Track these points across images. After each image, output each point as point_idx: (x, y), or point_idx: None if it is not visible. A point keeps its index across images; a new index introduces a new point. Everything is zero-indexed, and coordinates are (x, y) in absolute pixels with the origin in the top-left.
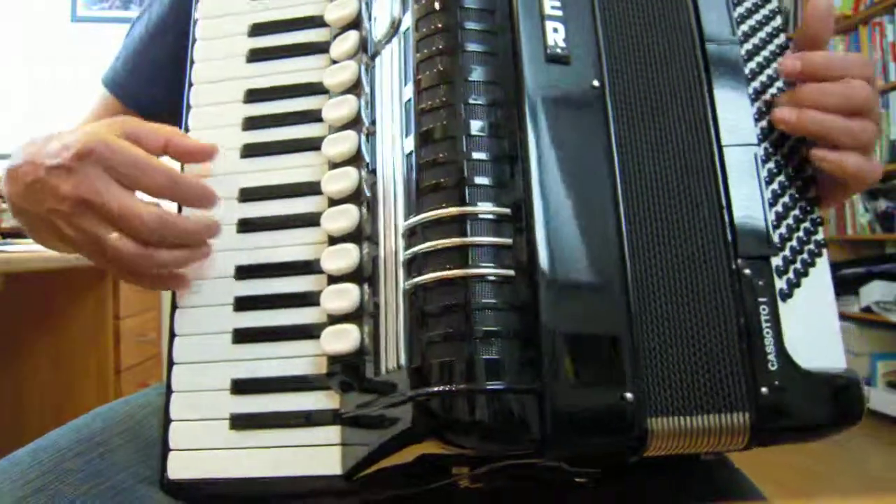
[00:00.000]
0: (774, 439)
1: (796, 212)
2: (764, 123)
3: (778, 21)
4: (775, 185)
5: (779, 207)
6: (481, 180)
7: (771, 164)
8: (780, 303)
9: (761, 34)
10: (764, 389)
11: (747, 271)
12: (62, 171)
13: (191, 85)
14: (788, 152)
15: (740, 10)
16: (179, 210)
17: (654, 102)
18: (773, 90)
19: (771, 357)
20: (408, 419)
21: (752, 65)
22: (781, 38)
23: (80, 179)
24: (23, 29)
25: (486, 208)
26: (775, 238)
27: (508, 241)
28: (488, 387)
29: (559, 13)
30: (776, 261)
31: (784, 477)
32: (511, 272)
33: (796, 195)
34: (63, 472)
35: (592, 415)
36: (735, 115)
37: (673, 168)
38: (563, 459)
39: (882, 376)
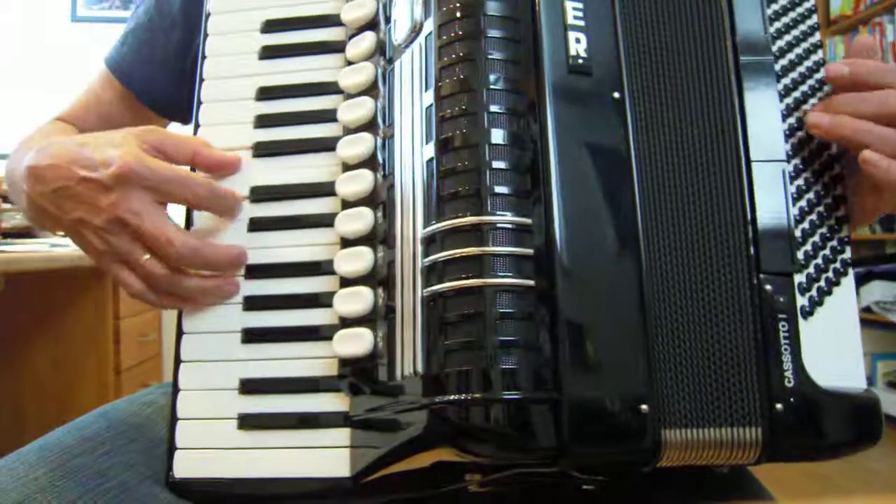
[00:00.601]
0: (787, 455)
1: (823, 230)
2: (795, 139)
3: (813, 20)
4: (803, 203)
5: (805, 225)
6: (502, 189)
7: (800, 181)
8: (801, 320)
9: (798, 50)
10: (779, 406)
11: (768, 287)
12: (99, 188)
13: (202, 80)
14: (819, 169)
15: (775, 7)
16: (187, 225)
17: (679, 113)
18: (806, 106)
19: (788, 374)
20: (421, 425)
21: (786, 80)
22: (816, 37)
23: (119, 198)
24: (23, 29)
25: (506, 218)
26: (800, 255)
27: (528, 251)
28: (505, 396)
29: (582, 23)
30: (799, 278)
31: (785, 476)
32: (530, 282)
33: (824, 213)
34: (68, 470)
35: (608, 425)
36: (765, 129)
37: (695, 179)
38: (576, 468)
39: (882, 376)
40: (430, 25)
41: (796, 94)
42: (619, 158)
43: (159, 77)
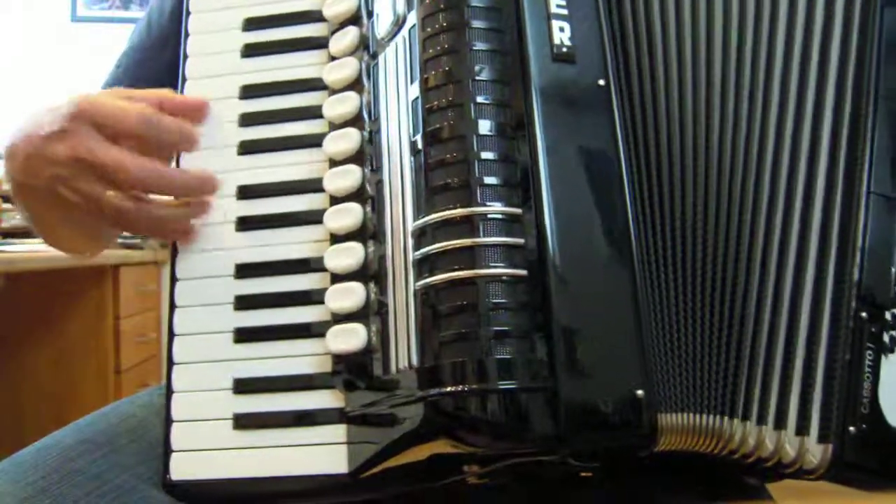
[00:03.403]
0: (843, 478)
1: None
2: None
3: None
4: None
5: None
6: (491, 180)
7: None
8: (882, 356)
9: None
10: (852, 429)
11: (864, 314)
12: (57, 137)
13: (184, 80)
14: None
15: None
16: None
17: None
18: None
19: (865, 401)
20: (418, 418)
21: None
22: None
23: (73, 140)
24: (23, 29)
25: (496, 208)
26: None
27: (519, 240)
28: (501, 386)
29: (565, 12)
30: (887, 314)
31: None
32: (523, 272)
33: None
34: (67, 472)
35: (604, 412)
36: None
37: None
38: (573, 456)
39: None
40: (413, 18)
41: None
42: (606, 146)
43: None
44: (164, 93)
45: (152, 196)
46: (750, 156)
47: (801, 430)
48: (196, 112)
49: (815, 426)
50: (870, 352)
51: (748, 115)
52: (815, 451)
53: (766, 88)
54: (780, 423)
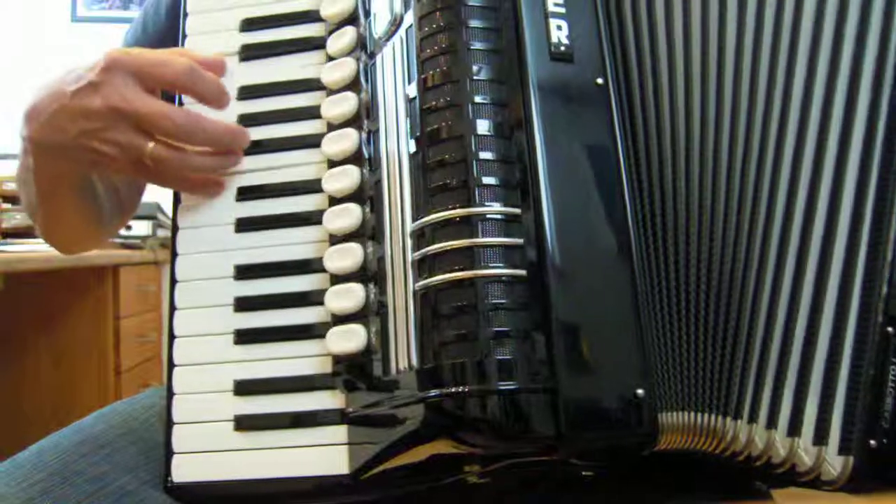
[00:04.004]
0: (863, 490)
1: None
2: None
3: None
4: None
5: None
6: (489, 180)
7: None
8: None
9: None
10: (872, 442)
11: (890, 329)
12: (89, 90)
13: None
14: None
15: None
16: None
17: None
18: None
19: (886, 415)
20: (418, 419)
21: None
22: None
23: (108, 91)
24: (23, 29)
25: (495, 208)
26: None
27: (519, 241)
28: (501, 387)
29: (562, 10)
30: None
31: None
32: (522, 272)
33: None
34: (68, 474)
35: (604, 411)
36: None
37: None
38: (574, 456)
39: None
40: (410, 18)
41: None
42: (604, 144)
43: None
44: (183, 50)
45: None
46: (750, 151)
47: (819, 439)
48: (217, 68)
49: (836, 438)
50: (893, 367)
51: (764, 115)
52: (836, 463)
53: (769, 86)
54: (793, 430)
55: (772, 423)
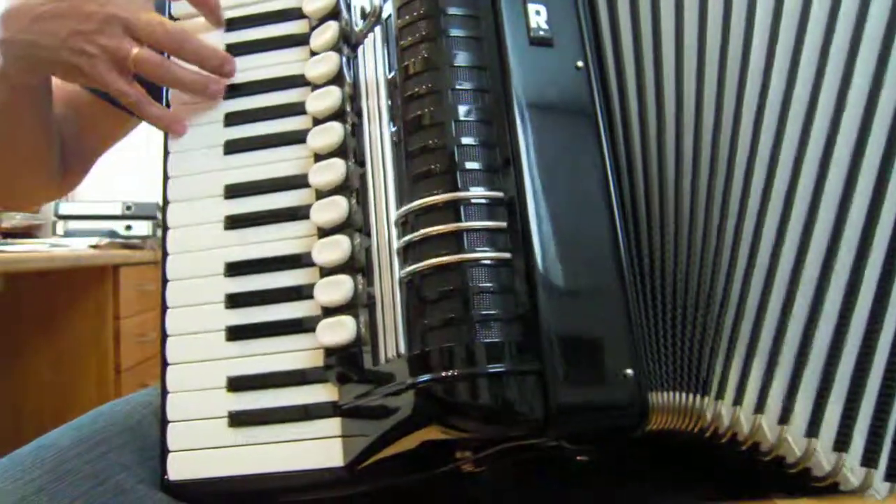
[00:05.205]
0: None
1: None
2: None
3: None
4: None
5: None
6: (472, 165)
7: None
8: None
9: None
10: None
11: None
12: None
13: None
14: None
15: None
16: None
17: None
18: None
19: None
20: (409, 407)
21: None
22: None
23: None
24: None
25: (478, 192)
26: None
27: (503, 224)
28: (490, 370)
29: None
30: None
31: None
32: (507, 255)
33: None
34: (64, 471)
35: (594, 392)
36: None
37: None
38: (565, 438)
39: None
40: (389, 8)
41: None
42: (586, 126)
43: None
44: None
45: None
46: (737, 136)
47: (841, 446)
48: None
49: (859, 448)
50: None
51: (738, 95)
52: (858, 473)
53: (742, 69)
54: (812, 431)
55: (785, 419)
